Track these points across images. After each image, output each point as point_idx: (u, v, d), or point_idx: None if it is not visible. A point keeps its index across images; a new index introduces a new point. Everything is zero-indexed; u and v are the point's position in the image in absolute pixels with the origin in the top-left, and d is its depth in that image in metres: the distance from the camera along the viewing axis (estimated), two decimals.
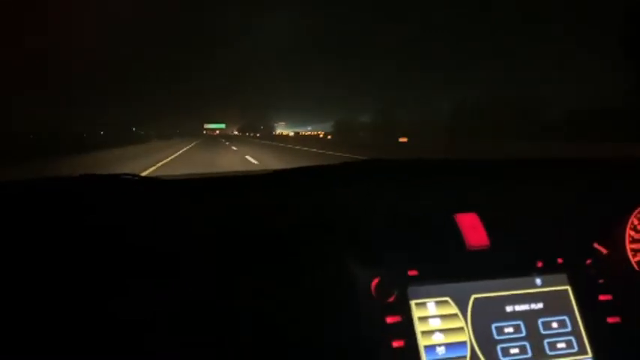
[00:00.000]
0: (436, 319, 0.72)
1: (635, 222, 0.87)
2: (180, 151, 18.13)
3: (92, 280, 0.74)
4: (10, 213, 0.83)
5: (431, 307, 0.73)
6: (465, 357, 0.71)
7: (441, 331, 0.71)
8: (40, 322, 0.70)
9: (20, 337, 0.68)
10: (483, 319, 0.73)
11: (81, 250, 0.77)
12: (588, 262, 0.80)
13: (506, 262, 0.79)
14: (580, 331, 0.74)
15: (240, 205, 0.90)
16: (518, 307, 0.75)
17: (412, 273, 0.75)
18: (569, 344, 0.73)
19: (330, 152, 15.80)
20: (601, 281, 0.79)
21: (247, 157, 13.54)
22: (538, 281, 0.77)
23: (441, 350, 0.70)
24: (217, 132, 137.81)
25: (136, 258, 0.77)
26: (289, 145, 25.52)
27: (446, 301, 0.73)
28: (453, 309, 0.73)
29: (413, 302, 0.73)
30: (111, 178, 0.97)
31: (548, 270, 0.78)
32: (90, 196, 0.90)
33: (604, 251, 0.83)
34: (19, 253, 0.76)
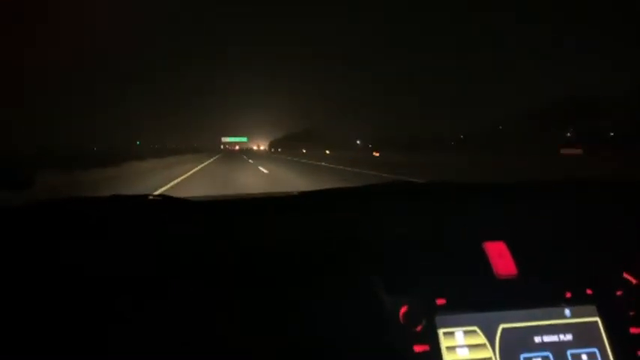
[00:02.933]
0: (464, 349, 0.73)
1: None
2: None
3: (102, 283, 0.78)
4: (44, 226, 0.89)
5: (459, 336, 0.74)
6: None
7: None
8: (49, 322, 0.73)
9: (30, 336, 0.71)
10: (511, 350, 0.73)
11: (96, 256, 0.82)
12: (618, 293, 0.79)
13: (534, 292, 0.79)
14: None
15: (266, 226, 0.93)
16: (547, 338, 0.75)
17: (440, 302, 0.76)
18: None
19: None
20: (632, 313, 0.78)
21: None
22: (567, 312, 0.77)
23: None
24: (237, 147, 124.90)
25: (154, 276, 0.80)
26: None
27: (474, 331, 0.74)
28: (481, 339, 0.74)
29: (441, 331, 0.73)
30: (139, 198, 1.03)
31: (578, 301, 0.78)
32: (119, 214, 0.96)
33: (634, 282, 0.82)
34: (44, 261, 0.80)
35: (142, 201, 1.03)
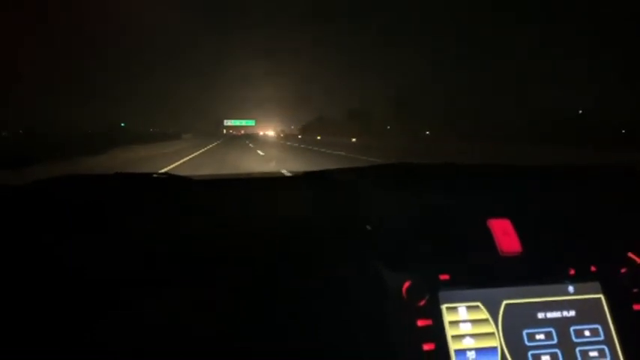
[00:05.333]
0: (467, 324, 0.73)
1: None
2: None
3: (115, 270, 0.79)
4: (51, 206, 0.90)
5: (462, 311, 0.74)
6: None
7: (471, 335, 0.73)
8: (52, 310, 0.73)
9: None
10: (514, 325, 0.74)
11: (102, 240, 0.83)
12: (623, 271, 0.79)
13: (538, 268, 0.79)
14: (613, 340, 0.74)
15: (270, 205, 0.93)
16: (550, 314, 0.75)
17: (444, 277, 0.76)
18: (601, 353, 0.73)
19: None
20: (635, 290, 0.78)
21: None
22: (570, 289, 0.78)
23: (471, 355, 0.72)
24: (242, 132, 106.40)
25: (164, 256, 0.81)
26: None
27: (477, 306, 0.75)
28: (484, 314, 0.74)
29: (444, 306, 0.74)
30: (143, 176, 1.04)
31: (581, 278, 0.78)
32: (124, 193, 0.97)
33: (639, 260, 0.82)
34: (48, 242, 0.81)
35: (146, 179, 1.04)
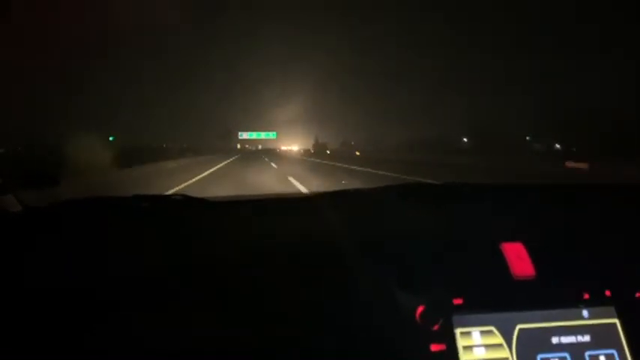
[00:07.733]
0: (481, 349, 0.74)
1: None
2: None
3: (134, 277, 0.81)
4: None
5: (476, 336, 0.75)
6: None
7: None
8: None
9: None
10: (529, 350, 0.74)
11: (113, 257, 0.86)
12: (638, 295, 0.79)
13: (552, 292, 0.80)
14: None
15: (280, 226, 0.96)
16: (565, 339, 0.76)
17: (457, 302, 0.77)
18: None
19: None
20: None
21: None
22: (585, 313, 0.78)
23: None
24: (260, 146, 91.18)
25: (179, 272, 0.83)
26: None
27: (491, 331, 0.75)
28: (498, 339, 0.75)
29: (458, 331, 0.75)
30: (162, 198, 1.09)
31: (596, 302, 0.79)
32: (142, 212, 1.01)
33: None
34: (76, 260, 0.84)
35: (164, 199, 1.09)
